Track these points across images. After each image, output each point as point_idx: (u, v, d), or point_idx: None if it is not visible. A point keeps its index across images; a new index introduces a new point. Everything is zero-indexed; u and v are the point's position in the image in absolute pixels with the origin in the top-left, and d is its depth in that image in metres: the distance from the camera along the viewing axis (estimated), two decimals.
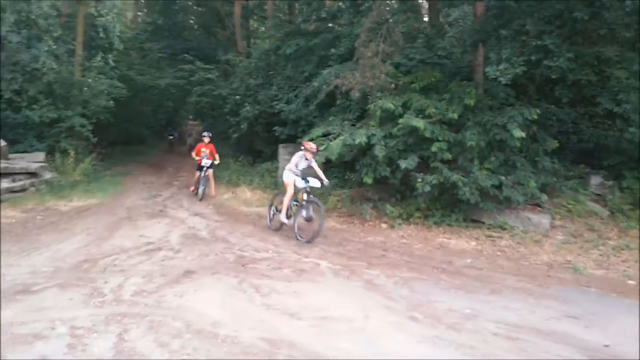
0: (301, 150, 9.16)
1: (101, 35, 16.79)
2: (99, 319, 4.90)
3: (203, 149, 13.12)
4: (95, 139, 15.82)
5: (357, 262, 7.37)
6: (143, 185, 15.14)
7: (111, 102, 16.63)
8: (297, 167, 8.99)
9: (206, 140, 13.22)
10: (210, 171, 13.04)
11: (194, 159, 13.37)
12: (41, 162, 13.34)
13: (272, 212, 9.63)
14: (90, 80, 16.09)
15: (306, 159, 9.08)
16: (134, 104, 21.93)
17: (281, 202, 9.10)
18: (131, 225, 9.53)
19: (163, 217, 10.37)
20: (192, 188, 13.41)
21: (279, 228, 9.20)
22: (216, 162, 13.20)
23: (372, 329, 4.90)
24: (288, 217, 8.98)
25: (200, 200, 12.54)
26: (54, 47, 14.37)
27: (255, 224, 10.00)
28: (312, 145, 9.23)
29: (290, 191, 8.88)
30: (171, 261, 7.11)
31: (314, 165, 9.20)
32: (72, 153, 14.41)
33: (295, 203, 8.93)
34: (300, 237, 8.53)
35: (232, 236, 8.85)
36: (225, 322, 4.93)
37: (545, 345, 4.63)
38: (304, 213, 8.66)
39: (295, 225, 8.70)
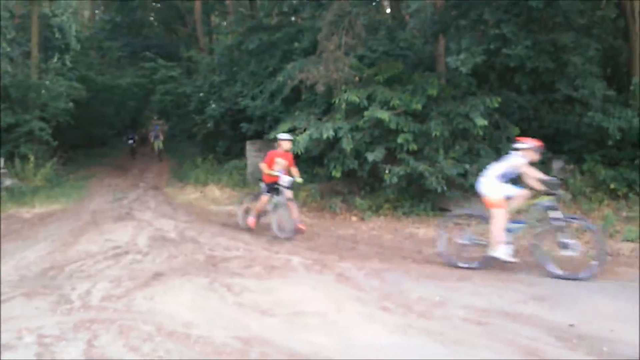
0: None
1: (57, 35, 16.39)
2: (67, 327, 4.81)
3: (278, 159, 8.88)
4: (56, 142, 15.48)
5: (329, 256, 7.41)
6: (108, 188, 14.90)
7: (71, 104, 16.27)
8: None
9: (286, 145, 9.00)
10: (290, 193, 8.83)
11: (267, 174, 8.93)
12: (0, 168, 12.96)
13: (243, 212, 9.50)
14: (47, 82, 15.67)
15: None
16: (94, 105, 21.48)
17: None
18: (97, 229, 9.37)
19: (129, 220, 10.23)
20: (251, 221, 9.08)
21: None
22: (298, 180, 8.97)
23: (345, 321, 4.95)
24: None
25: (289, 239, 8.45)
26: (8, 49, 13.97)
27: (225, 222, 9.97)
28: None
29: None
30: (139, 264, 7.02)
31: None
32: (32, 158, 14.07)
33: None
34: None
35: (201, 236, 8.79)
36: (197, 322, 4.91)
37: (513, 327, 4.77)
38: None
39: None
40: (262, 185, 9.03)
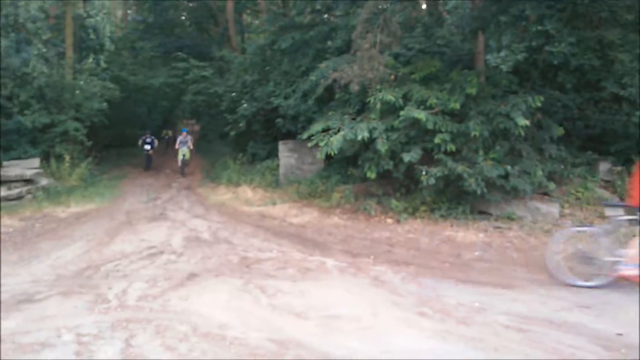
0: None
1: (91, 36, 16.91)
2: (105, 326, 4.98)
3: None
4: (90, 142, 15.94)
5: (363, 259, 7.46)
6: (141, 188, 15.25)
7: (104, 104, 16.73)
8: None
9: None
10: None
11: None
12: (36, 168, 13.44)
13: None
14: (82, 82, 16.18)
15: None
16: (127, 105, 22.02)
17: None
18: (131, 229, 9.63)
19: (163, 220, 10.48)
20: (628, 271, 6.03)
21: None
22: None
23: (381, 326, 4.97)
24: None
25: None
26: (44, 50, 14.46)
27: (258, 224, 10.09)
28: None
29: None
30: (174, 265, 7.19)
31: None
32: (67, 158, 14.53)
33: None
34: None
35: (235, 237, 8.94)
36: (232, 324, 5.01)
37: (556, 335, 4.70)
38: None
39: None
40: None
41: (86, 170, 15.04)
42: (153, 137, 20.29)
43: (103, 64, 17.37)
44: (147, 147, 19.85)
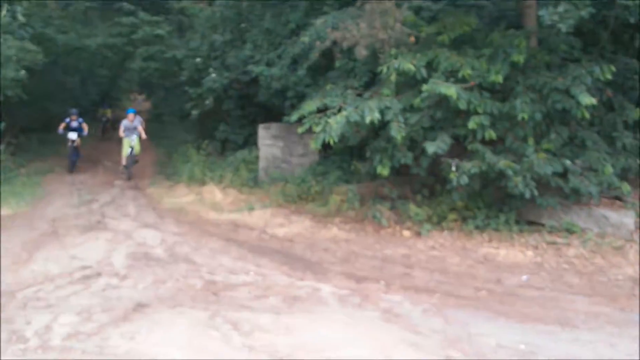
0: None
1: None
2: None
3: None
4: (3, 124, 15.83)
5: (372, 285, 7.48)
6: (72, 186, 15.23)
7: (22, 72, 16.57)
8: None
9: None
10: None
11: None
12: None
13: None
14: None
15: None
16: (54, 74, 21.88)
17: None
18: (58, 243, 9.60)
19: (102, 231, 10.46)
20: None
21: None
22: None
23: None
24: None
25: None
26: None
27: (229, 236, 10.09)
28: None
29: None
30: (116, 291, 7.18)
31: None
32: None
33: None
34: None
35: (198, 254, 8.94)
36: None
37: None
38: None
39: None
40: None
41: None
42: (81, 121, 17.95)
43: (21, 18, 17.21)
44: (72, 135, 17.53)
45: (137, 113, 18.58)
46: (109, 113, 26.87)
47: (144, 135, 16.70)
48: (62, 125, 17.57)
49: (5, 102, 16.28)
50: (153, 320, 6.19)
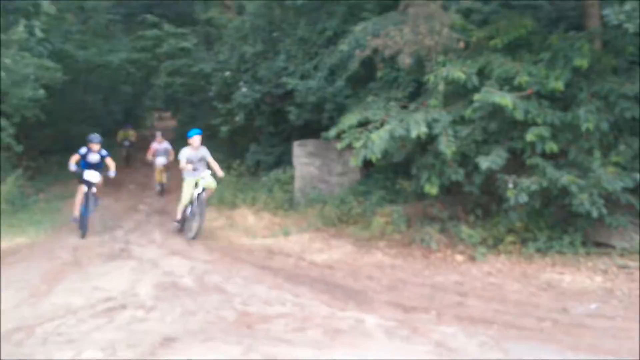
0: None
1: None
2: None
3: None
4: (21, 147, 16.09)
5: (422, 315, 7.38)
6: (93, 212, 15.37)
7: (41, 91, 16.88)
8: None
9: None
10: None
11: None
12: None
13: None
14: (8, 60, 16.37)
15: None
16: (75, 93, 22.32)
17: None
18: (80, 273, 9.66)
19: (126, 259, 10.53)
20: None
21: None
22: None
23: None
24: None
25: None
26: None
27: (264, 264, 10.08)
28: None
29: None
30: (142, 324, 7.17)
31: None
32: None
33: None
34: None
35: (230, 283, 8.92)
36: None
37: None
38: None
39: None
40: None
41: (14, 187, 15.23)
42: (105, 154, 13.19)
43: (39, 33, 17.56)
44: (91, 176, 12.85)
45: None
46: (132, 136, 24.99)
47: (220, 172, 12.71)
48: (74, 159, 12.99)
49: (23, 124, 16.56)
50: (183, 356, 6.16)
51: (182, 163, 12.23)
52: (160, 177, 18.23)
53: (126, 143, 24.50)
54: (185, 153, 12.29)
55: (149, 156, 18.23)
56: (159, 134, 19.28)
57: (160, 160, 18.15)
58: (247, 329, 6.99)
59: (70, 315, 7.54)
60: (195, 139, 12.40)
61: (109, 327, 7.08)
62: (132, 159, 24.32)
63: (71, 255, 10.89)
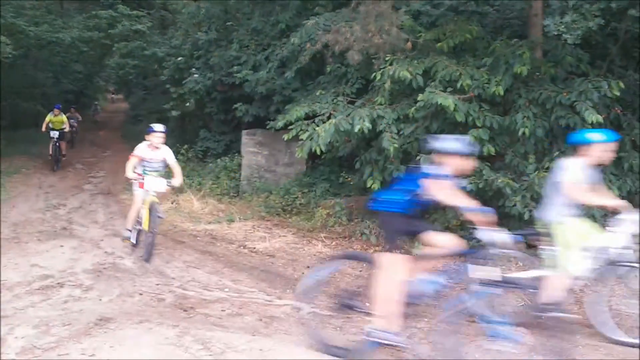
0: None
1: None
2: None
3: None
4: None
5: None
6: (38, 189, 15.15)
7: None
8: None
9: None
10: None
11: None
12: None
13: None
14: None
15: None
16: (25, 69, 21.83)
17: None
18: (19, 249, 9.55)
19: (67, 238, 10.43)
20: None
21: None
22: None
23: None
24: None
25: None
26: None
27: (205, 248, 10.06)
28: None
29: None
30: (78, 303, 7.12)
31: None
32: None
33: None
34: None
35: (170, 267, 8.91)
36: None
37: None
38: None
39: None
40: None
41: None
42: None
43: None
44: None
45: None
46: (64, 121, 19.29)
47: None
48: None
49: None
50: (116, 337, 6.10)
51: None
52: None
53: (54, 134, 18.55)
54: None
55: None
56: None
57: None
58: (184, 312, 6.99)
59: (5, 291, 7.44)
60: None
61: (44, 305, 7.01)
62: (77, 140, 24.29)
63: (12, 231, 10.74)
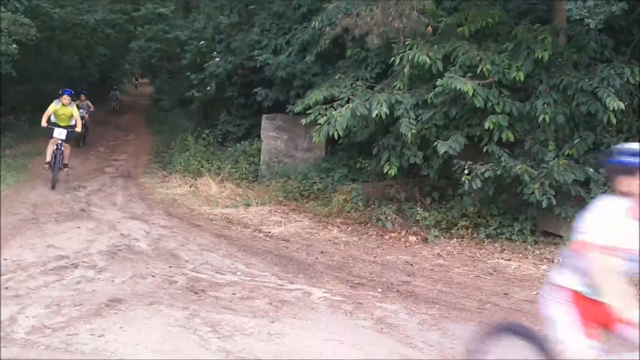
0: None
1: None
2: None
3: None
4: None
5: (367, 292, 7.41)
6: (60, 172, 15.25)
7: (14, 46, 16.65)
8: None
9: None
10: None
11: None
12: None
13: None
14: None
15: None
16: (49, 51, 22.01)
17: None
18: (36, 230, 9.63)
19: (85, 220, 10.49)
20: None
21: None
22: None
23: None
24: None
25: None
26: None
27: (221, 232, 10.08)
28: None
29: None
30: (91, 284, 7.17)
31: None
32: None
33: None
34: None
35: (184, 250, 8.94)
36: None
37: None
38: None
39: None
40: None
41: None
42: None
43: None
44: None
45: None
46: (73, 115, 14.24)
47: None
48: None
49: None
50: (126, 318, 6.15)
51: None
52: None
53: (59, 133, 13.69)
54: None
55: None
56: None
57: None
58: (195, 295, 7.00)
59: (20, 270, 7.52)
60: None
61: (57, 285, 7.07)
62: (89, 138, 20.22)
63: (30, 212, 10.84)
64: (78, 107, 15.62)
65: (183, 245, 9.20)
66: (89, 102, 19.79)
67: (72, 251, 8.50)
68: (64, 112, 13.78)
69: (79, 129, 14.13)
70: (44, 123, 13.48)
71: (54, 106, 13.77)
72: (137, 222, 10.47)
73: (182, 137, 17.76)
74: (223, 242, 9.51)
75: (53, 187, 12.96)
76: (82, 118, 16.25)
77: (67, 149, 13.64)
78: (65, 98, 13.88)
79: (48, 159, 13.40)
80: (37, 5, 19.86)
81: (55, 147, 13.29)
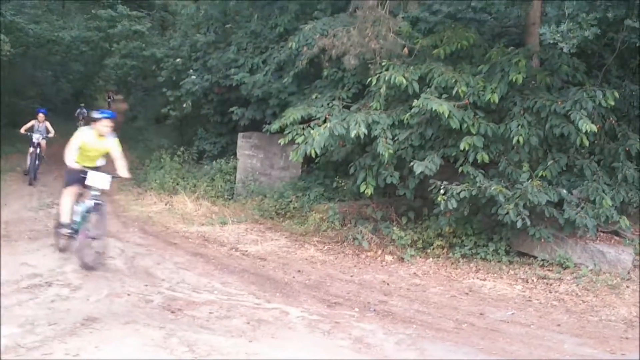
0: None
1: None
2: None
3: None
4: None
5: (344, 311, 7.41)
6: (32, 188, 15.08)
7: None
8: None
9: None
10: None
11: None
12: None
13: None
14: None
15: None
16: (24, 67, 21.80)
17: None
18: (9, 248, 9.50)
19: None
20: None
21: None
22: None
23: None
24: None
25: None
26: None
27: (197, 250, 10.03)
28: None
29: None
30: (65, 303, 7.08)
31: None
32: None
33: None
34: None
35: (160, 268, 8.88)
36: None
37: None
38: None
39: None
40: None
41: None
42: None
43: None
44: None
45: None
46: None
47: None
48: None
49: None
50: (102, 337, 6.08)
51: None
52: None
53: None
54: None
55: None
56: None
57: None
58: (172, 314, 6.95)
59: None
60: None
61: (31, 304, 6.97)
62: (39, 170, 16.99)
63: (2, 229, 10.68)
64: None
65: (159, 263, 9.14)
66: (48, 125, 16.42)
67: (46, 269, 8.38)
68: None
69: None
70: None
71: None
72: (111, 240, 10.34)
73: (157, 154, 17.66)
74: (199, 261, 9.46)
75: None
76: (37, 145, 15.71)
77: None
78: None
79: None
80: (12, 21, 19.74)
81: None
